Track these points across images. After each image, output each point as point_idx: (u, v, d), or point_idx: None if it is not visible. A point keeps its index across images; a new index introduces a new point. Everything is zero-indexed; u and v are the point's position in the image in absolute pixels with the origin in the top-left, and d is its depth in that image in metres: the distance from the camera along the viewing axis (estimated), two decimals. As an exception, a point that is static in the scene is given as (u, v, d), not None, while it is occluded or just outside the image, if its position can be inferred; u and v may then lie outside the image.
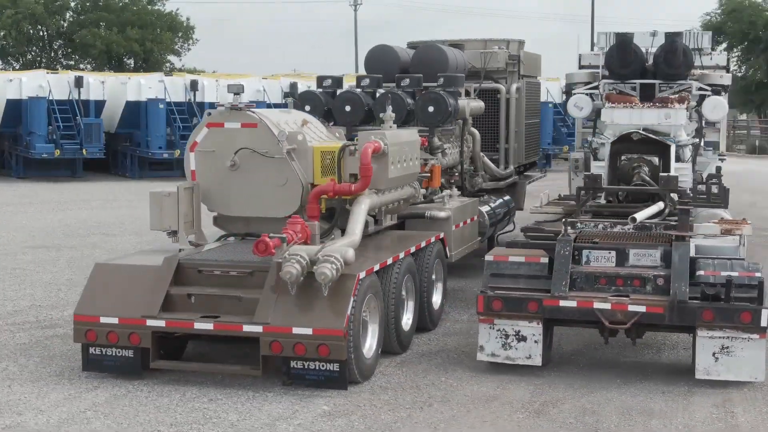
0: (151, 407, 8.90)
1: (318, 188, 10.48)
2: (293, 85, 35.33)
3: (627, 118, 14.76)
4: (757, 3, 61.49)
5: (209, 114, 12.03)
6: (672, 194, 11.74)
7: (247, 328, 9.26)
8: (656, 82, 15.10)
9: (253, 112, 10.84)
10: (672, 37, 14.81)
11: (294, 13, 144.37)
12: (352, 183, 10.51)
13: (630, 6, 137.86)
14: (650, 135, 13.39)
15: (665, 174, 11.93)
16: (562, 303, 9.72)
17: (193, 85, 34.61)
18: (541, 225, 12.48)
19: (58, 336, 11.55)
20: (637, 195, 12.85)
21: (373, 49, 15.21)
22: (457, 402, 9.08)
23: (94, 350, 9.76)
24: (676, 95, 14.85)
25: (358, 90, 13.96)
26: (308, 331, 9.07)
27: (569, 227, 10.63)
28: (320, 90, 14.19)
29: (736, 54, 61.82)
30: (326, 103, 13.89)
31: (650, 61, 15.22)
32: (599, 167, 14.09)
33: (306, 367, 9.24)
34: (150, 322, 9.49)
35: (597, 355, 10.86)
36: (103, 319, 9.61)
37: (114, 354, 9.70)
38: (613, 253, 10.09)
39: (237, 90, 10.97)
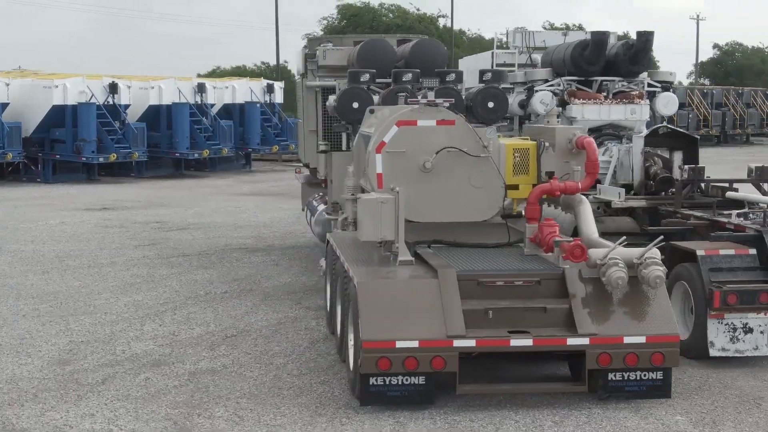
0: (515, 437, 7.91)
1: (541, 187, 9.81)
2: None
3: (597, 113, 15.33)
4: (374, 8, 64.50)
5: (371, 111, 10.89)
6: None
7: (571, 341, 8.49)
8: (616, 79, 15.71)
9: (450, 109, 9.90)
10: (645, 36, 15.44)
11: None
12: (576, 181, 9.93)
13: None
14: (677, 129, 13.93)
15: (759, 165, 12.50)
16: (795, 293, 9.94)
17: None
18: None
19: (195, 372, 9.76)
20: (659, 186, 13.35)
21: (367, 43, 14.29)
22: (768, 400, 9.00)
23: (375, 380, 8.41)
24: (636, 92, 15.59)
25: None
26: (641, 339, 8.52)
27: (742, 218, 10.89)
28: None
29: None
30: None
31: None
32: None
33: (626, 378, 8.65)
34: (458, 343, 8.36)
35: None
36: (399, 344, 8.29)
37: (400, 383, 8.42)
38: (808, 240, 10.46)
39: (432, 85, 9.96)
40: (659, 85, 16.00)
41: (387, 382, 8.40)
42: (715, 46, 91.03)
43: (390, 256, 9.51)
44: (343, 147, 14.17)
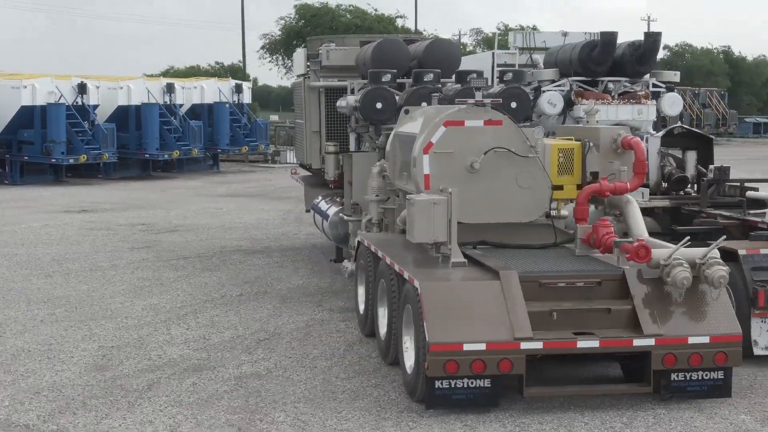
0: (591, 439, 7.86)
1: (590, 188, 9.77)
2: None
3: (604, 114, 15.30)
4: (333, 9, 64.15)
5: (407, 111, 10.77)
6: None
7: (637, 342, 8.45)
8: (622, 79, 15.73)
9: (498, 109, 9.82)
10: (654, 36, 15.48)
11: None
12: (625, 181, 9.88)
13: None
14: (693, 129, 14.00)
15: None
16: (836, 290, 10.00)
17: None
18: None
19: (241, 376, 9.58)
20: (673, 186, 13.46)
21: (382, 43, 14.17)
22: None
23: (441, 384, 8.30)
24: (642, 92, 15.63)
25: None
26: (705, 339, 8.50)
27: (775, 219, 10.97)
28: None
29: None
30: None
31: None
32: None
33: (688, 378, 8.64)
34: (525, 345, 8.27)
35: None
36: (467, 347, 8.19)
37: (466, 386, 8.32)
38: None
39: (480, 84, 9.90)
40: (663, 85, 16.03)
41: (452, 386, 8.30)
42: (666, 47, 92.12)
43: (440, 258, 9.40)
44: (351, 148, 14.04)
